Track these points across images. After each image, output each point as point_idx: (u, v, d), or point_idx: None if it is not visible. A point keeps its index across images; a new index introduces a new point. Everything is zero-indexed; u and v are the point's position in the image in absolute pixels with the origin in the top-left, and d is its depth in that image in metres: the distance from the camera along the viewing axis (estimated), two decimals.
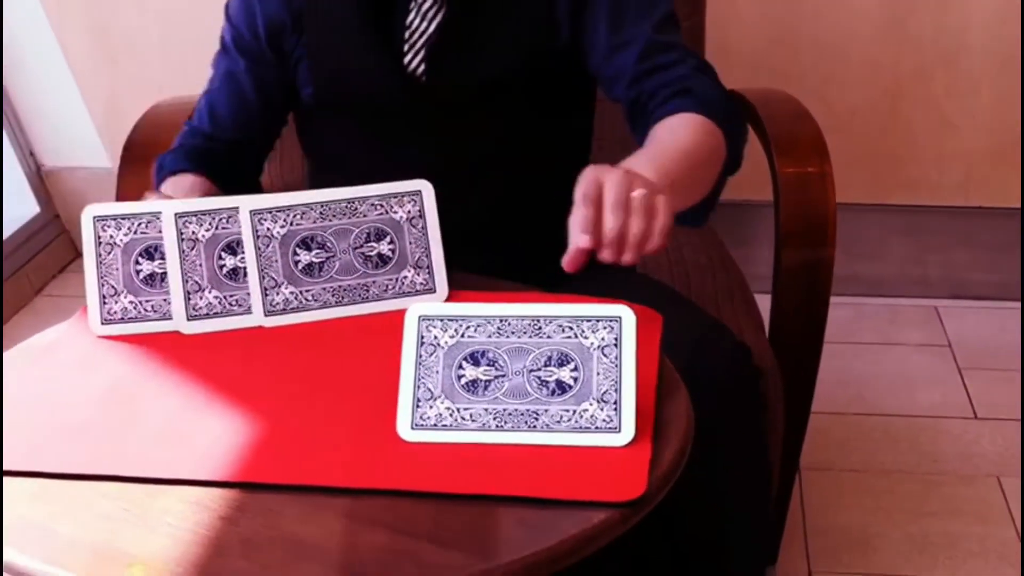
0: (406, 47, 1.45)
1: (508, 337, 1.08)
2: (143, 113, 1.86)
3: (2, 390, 1.16)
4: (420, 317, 1.09)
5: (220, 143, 1.57)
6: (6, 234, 2.89)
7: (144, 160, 1.76)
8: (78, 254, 3.08)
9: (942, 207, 2.67)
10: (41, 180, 3.02)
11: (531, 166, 1.53)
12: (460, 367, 1.08)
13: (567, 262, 1.14)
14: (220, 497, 1.00)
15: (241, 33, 1.52)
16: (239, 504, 0.99)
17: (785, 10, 2.50)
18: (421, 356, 1.08)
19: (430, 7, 1.44)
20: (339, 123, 1.55)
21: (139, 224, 1.26)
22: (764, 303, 1.73)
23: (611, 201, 1.11)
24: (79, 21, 2.69)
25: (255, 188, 1.62)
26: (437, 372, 1.08)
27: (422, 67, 1.46)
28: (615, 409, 1.04)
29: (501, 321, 1.08)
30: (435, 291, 1.29)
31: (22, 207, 3.00)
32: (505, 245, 1.51)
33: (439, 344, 1.09)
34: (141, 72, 2.73)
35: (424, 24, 1.44)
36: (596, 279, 1.27)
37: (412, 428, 1.06)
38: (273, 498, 0.99)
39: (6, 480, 1.03)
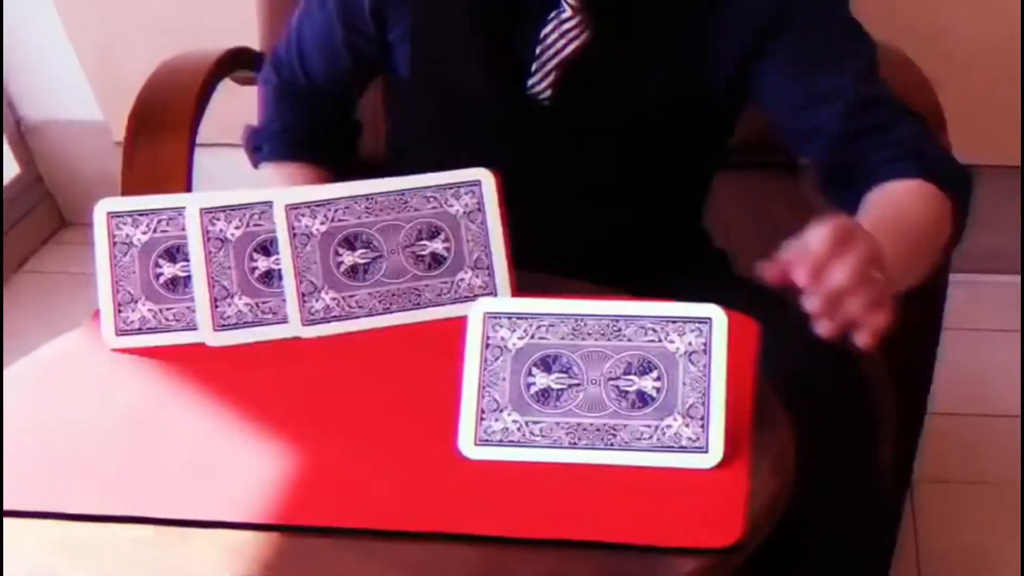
0: (535, 66, 1.46)
1: (584, 340, 1.11)
2: (153, 73, 1.85)
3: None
4: (486, 314, 1.13)
5: (318, 101, 1.65)
6: None
7: (156, 130, 1.77)
8: (64, 223, 3.11)
9: None
10: (21, 136, 3.04)
11: (649, 197, 1.56)
12: (530, 374, 1.11)
13: (770, 269, 1.09)
14: (261, 542, 1.03)
15: None
16: (282, 550, 1.02)
17: None
18: (487, 360, 1.12)
19: (574, 26, 1.43)
20: (438, 115, 1.59)
21: (159, 221, 1.29)
22: None
23: (852, 261, 1.06)
24: None
25: (354, 158, 1.69)
26: (504, 379, 1.11)
27: (548, 92, 1.47)
28: (702, 426, 1.07)
29: (577, 320, 1.11)
30: (496, 296, 1.31)
31: None
32: (599, 262, 1.52)
33: (506, 347, 1.12)
34: (139, 8, 2.74)
35: (562, 43, 1.44)
36: (689, 279, 1.30)
37: (476, 444, 1.10)
38: (322, 543, 1.03)
39: (9, 521, 1.05)
